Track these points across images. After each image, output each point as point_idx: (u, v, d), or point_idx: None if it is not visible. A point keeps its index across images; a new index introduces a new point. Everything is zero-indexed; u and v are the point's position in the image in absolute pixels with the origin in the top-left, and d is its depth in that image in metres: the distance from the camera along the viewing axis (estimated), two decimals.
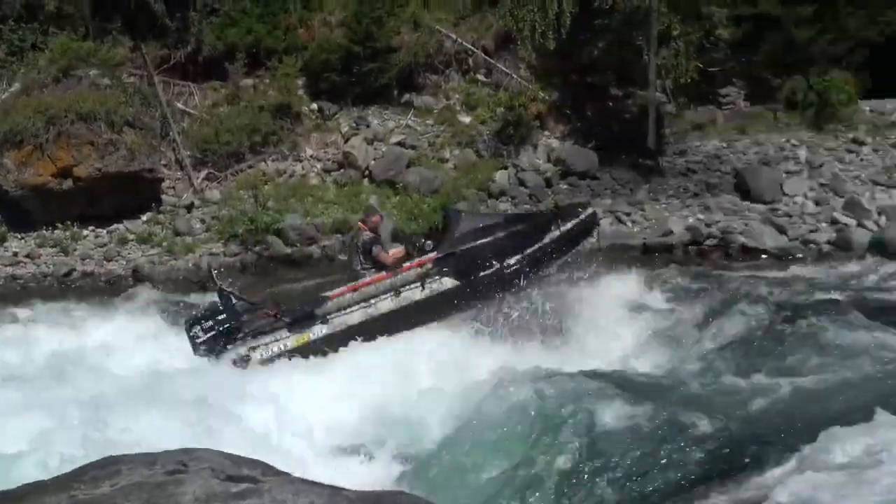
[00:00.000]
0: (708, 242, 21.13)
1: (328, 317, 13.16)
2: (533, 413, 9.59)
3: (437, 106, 25.97)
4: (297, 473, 5.18)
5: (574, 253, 14.29)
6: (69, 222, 21.72)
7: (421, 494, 6.37)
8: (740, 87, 27.28)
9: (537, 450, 9.02)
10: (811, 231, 21.20)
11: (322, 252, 21.33)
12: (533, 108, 24.91)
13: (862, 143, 25.33)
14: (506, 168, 24.03)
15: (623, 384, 10.32)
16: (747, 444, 8.63)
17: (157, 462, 4.97)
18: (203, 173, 23.60)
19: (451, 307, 13.32)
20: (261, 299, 14.16)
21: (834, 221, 21.38)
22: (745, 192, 23.16)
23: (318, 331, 13.10)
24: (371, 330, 13.01)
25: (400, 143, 24.50)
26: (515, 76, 26.05)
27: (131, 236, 21.79)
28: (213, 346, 12.95)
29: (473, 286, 13.33)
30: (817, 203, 22.65)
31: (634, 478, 8.41)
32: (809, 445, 8.01)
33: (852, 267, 18.90)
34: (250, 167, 23.96)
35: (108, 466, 4.97)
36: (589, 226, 14.68)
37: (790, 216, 22.00)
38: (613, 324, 13.41)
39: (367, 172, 23.93)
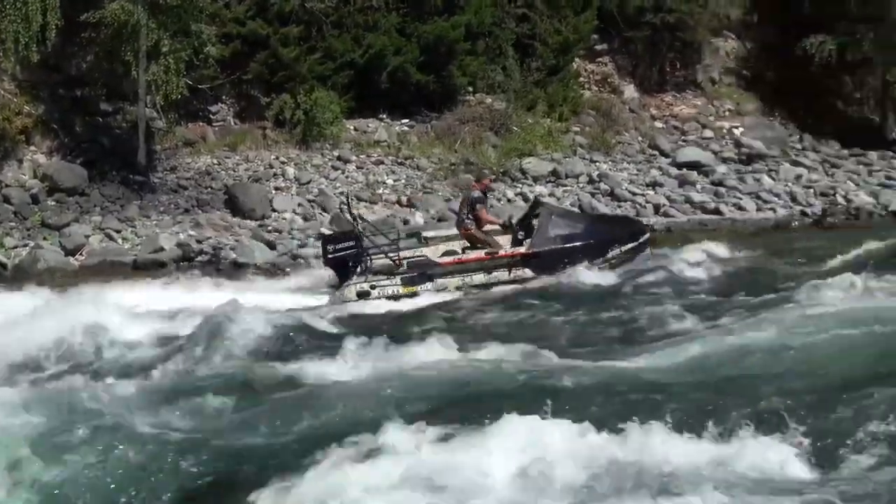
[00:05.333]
0: (199, 258, 21.40)
1: (435, 278, 17.26)
2: None
3: None
4: None
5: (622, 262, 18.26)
6: None
7: None
8: (230, 105, 27.72)
9: None
10: (300, 246, 22.04)
11: None
12: (18, 122, 23.83)
13: (347, 161, 26.68)
14: None
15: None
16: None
17: None
18: None
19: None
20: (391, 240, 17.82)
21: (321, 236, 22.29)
22: (235, 208, 23.70)
23: (425, 287, 17.12)
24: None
25: None
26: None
27: None
28: (338, 265, 17.56)
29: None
30: (305, 219, 23.71)
31: None
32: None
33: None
34: None
35: None
36: (644, 246, 18.90)
37: (280, 231, 22.86)
38: None
39: None
